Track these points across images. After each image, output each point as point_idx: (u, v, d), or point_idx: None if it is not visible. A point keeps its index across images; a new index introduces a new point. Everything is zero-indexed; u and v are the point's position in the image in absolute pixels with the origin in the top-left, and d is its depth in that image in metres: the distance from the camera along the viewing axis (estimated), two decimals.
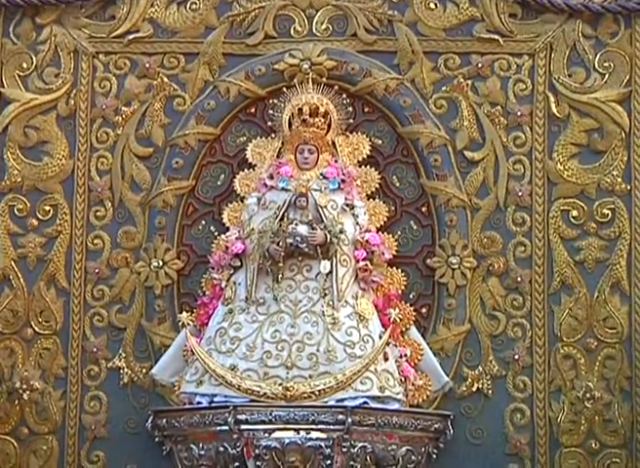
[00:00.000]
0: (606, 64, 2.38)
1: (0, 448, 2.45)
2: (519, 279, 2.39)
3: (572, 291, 2.37)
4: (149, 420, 2.39)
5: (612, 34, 2.40)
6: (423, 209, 2.46)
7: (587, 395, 2.36)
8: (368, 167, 2.46)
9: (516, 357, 2.37)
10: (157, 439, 2.40)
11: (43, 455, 2.44)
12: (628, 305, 2.35)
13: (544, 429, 2.36)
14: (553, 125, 2.39)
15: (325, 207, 2.36)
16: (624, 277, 2.34)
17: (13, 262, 2.48)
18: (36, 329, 2.48)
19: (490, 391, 2.38)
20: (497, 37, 2.42)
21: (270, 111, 2.47)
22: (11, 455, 2.43)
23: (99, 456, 2.45)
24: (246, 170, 2.49)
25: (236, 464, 2.26)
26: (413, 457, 2.32)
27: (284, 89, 2.46)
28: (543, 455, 2.36)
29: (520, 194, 2.39)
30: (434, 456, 2.36)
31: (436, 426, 2.35)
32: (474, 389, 2.39)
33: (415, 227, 2.46)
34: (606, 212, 2.38)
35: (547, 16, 2.40)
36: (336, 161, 2.42)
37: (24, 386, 2.46)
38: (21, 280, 2.49)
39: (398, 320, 2.39)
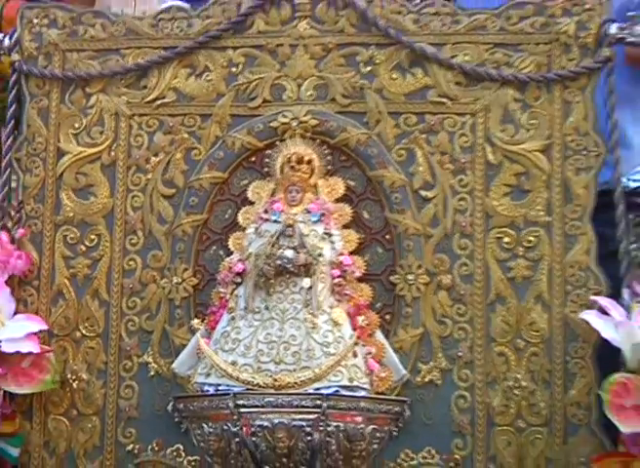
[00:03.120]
0: (531, 122, 2.35)
1: (56, 426, 2.42)
2: (462, 292, 2.34)
3: (504, 301, 2.32)
4: (171, 404, 2.39)
5: (535, 98, 2.37)
6: (387, 236, 2.41)
7: (516, 384, 2.32)
8: (343, 203, 2.43)
9: (460, 354, 2.33)
10: (177, 419, 2.39)
11: (88, 432, 2.40)
12: (548, 313, 2.31)
13: (482, 412, 2.33)
14: (490, 170, 2.35)
15: (307, 235, 2.34)
16: (545, 290, 2.30)
17: (66, 280, 2.46)
18: (83, 332, 2.46)
19: (439, 381, 2.33)
20: (445, 101, 2.39)
21: (266, 160, 2.45)
22: (64, 431, 2.41)
23: (131, 433, 2.43)
24: (247, 206, 2.46)
25: (236, 439, 2.23)
26: (377, 434, 2.29)
27: (277, 142, 2.43)
28: (482, 433, 2.32)
29: (464, 224, 2.35)
30: (395, 434, 2.33)
31: (396, 409, 2.32)
32: (427, 380, 2.34)
33: (380, 251, 2.41)
34: (531, 238, 2.34)
35: (485, 83, 2.37)
36: (317, 199, 2.40)
37: (74, 377, 2.44)
38: (72, 293, 2.46)
39: (365, 325, 2.36)
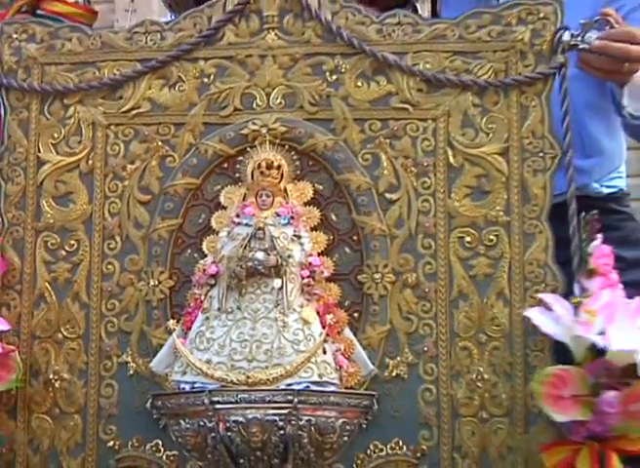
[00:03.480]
0: (490, 126, 2.37)
1: (39, 424, 2.43)
2: (427, 290, 2.36)
3: (467, 298, 2.34)
4: (149, 402, 2.40)
5: (494, 103, 2.39)
6: (354, 238, 2.42)
7: (479, 377, 2.34)
8: (312, 206, 2.43)
9: (425, 349, 2.34)
10: (155, 416, 2.40)
11: (71, 429, 2.41)
12: (509, 309, 2.33)
13: (447, 404, 2.34)
14: (451, 172, 2.36)
15: (278, 237, 2.34)
16: (506, 287, 2.32)
17: (47, 283, 2.47)
18: (65, 333, 2.47)
19: (406, 375, 2.35)
20: (407, 107, 2.41)
21: (238, 166, 2.45)
22: (47, 429, 2.42)
23: (112, 429, 2.43)
24: (220, 210, 2.46)
25: (212, 434, 2.24)
26: (347, 427, 2.30)
27: (248, 149, 2.44)
28: (447, 424, 2.34)
29: (427, 225, 2.36)
30: (364, 426, 2.35)
31: (365, 403, 2.33)
32: (394, 374, 2.36)
33: (348, 252, 2.42)
34: (491, 238, 2.35)
35: (445, 90, 2.38)
36: (287, 203, 2.41)
37: (56, 377, 2.45)
38: (54, 297, 2.47)
39: (334, 323, 2.37)
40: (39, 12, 2.85)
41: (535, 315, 2.27)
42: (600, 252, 2.32)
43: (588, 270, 2.31)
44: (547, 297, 2.29)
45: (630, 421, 2.17)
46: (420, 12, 3.70)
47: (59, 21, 2.72)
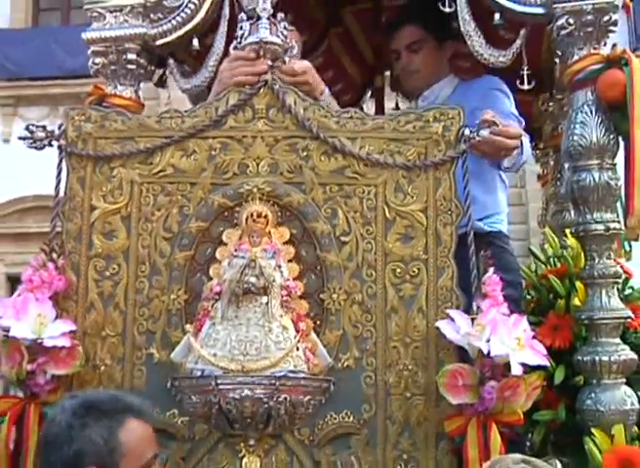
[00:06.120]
0: (414, 191, 2.43)
1: None
2: (369, 306, 2.41)
3: (397, 312, 2.41)
4: (169, 382, 2.42)
5: (417, 176, 2.47)
6: (318, 268, 2.47)
7: (405, 368, 2.42)
8: (288, 245, 2.48)
9: (367, 348, 2.40)
10: (173, 393, 2.42)
11: None
12: (426, 320, 2.41)
13: (382, 386, 2.41)
14: (387, 223, 2.42)
15: (265, 267, 2.37)
16: (424, 305, 2.40)
17: (96, 295, 2.50)
18: (108, 332, 2.50)
19: (353, 366, 2.41)
20: (357, 176, 2.47)
21: (236, 215, 2.50)
22: None
23: None
24: (222, 246, 2.50)
25: (216, 407, 2.28)
26: (312, 402, 2.36)
27: (243, 202, 2.48)
28: (381, 400, 2.41)
29: (369, 260, 2.43)
30: (323, 402, 2.41)
31: (324, 385, 2.39)
32: (345, 365, 2.42)
33: (313, 277, 2.46)
34: (414, 270, 2.42)
35: (384, 165, 2.48)
36: (271, 242, 2.44)
37: (101, 363, 2.50)
38: (100, 305, 2.50)
39: (304, 328, 2.43)
40: (104, 104, 2.88)
41: (443, 325, 2.39)
42: (490, 280, 2.42)
43: (482, 294, 2.41)
44: (452, 313, 2.40)
45: (505, 403, 2.30)
46: (365, 109, 3.86)
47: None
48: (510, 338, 2.28)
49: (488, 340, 2.26)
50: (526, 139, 2.95)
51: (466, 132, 2.51)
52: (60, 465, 1.81)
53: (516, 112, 3.15)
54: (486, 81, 3.17)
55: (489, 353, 2.24)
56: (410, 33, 3.18)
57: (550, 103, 3.67)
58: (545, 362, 2.35)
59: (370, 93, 4.35)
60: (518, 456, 1.86)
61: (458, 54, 3.29)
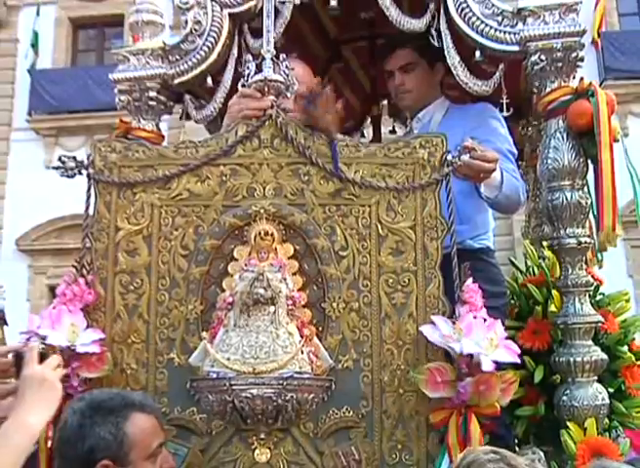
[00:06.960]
0: (404, 210, 2.47)
1: None
2: (365, 313, 2.44)
3: (390, 318, 2.44)
4: (188, 384, 2.46)
5: (406, 196, 2.51)
6: (320, 280, 2.50)
7: (398, 368, 2.44)
8: (293, 260, 2.51)
9: (364, 350, 2.43)
10: (192, 393, 2.46)
11: None
12: (416, 325, 2.43)
13: (377, 384, 2.43)
14: (380, 239, 2.46)
15: (272, 279, 2.41)
16: (414, 311, 2.43)
17: (122, 307, 2.53)
18: (133, 339, 2.53)
19: (352, 367, 2.43)
20: (353, 197, 2.50)
21: (245, 233, 2.52)
22: None
23: (164, 401, 2.50)
24: (234, 261, 2.53)
25: (230, 405, 2.32)
26: (315, 400, 2.39)
27: (251, 222, 2.51)
28: (377, 396, 2.44)
29: (365, 272, 2.46)
30: (325, 399, 2.44)
31: (326, 385, 2.41)
32: (345, 366, 2.45)
33: (315, 289, 2.48)
34: (405, 280, 2.45)
35: (376, 188, 2.51)
36: (277, 257, 2.47)
37: (127, 367, 2.53)
38: (126, 316, 2.53)
39: (308, 334, 2.46)
40: (129, 136, 2.97)
41: (426, 329, 2.43)
42: (468, 289, 2.47)
43: (462, 301, 2.47)
44: (435, 318, 2.44)
45: (481, 397, 2.34)
46: (365, 135, 3.92)
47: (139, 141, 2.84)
48: (484, 339, 2.32)
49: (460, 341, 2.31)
50: (514, 180, 2.99)
51: (449, 157, 2.57)
52: (77, 462, 1.83)
53: (511, 140, 3.20)
54: (481, 107, 3.20)
55: (462, 352, 2.30)
56: (403, 55, 3.10)
57: (529, 128, 3.74)
58: (517, 360, 2.38)
59: (370, 119, 4.41)
60: (488, 448, 1.91)
61: (448, 84, 3.34)
